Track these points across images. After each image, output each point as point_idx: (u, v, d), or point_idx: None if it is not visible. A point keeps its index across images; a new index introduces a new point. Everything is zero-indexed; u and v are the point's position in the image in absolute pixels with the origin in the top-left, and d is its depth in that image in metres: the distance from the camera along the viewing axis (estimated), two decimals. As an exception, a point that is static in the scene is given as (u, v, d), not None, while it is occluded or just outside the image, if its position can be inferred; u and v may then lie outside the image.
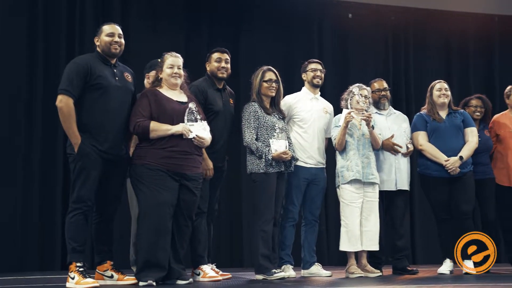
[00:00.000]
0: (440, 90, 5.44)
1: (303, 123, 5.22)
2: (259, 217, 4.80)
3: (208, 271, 4.76)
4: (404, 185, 5.35)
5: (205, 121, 4.51)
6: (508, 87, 5.83)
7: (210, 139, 4.51)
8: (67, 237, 4.25)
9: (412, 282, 4.62)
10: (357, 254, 5.11)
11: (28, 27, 6.41)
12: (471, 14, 7.82)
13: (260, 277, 4.77)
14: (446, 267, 5.35)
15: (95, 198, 4.33)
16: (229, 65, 5.04)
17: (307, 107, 5.26)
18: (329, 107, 5.44)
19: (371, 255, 5.20)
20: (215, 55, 5.01)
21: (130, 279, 4.40)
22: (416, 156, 5.60)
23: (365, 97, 5.14)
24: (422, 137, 5.38)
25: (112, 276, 4.43)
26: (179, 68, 4.52)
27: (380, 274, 5.10)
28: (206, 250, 4.88)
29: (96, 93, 4.30)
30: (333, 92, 6.15)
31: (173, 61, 4.52)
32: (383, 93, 5.50)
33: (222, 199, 5.99)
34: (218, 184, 5.04)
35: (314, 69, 5.35)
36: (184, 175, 4.36)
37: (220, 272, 4.96)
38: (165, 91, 4.48)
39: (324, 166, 5.30)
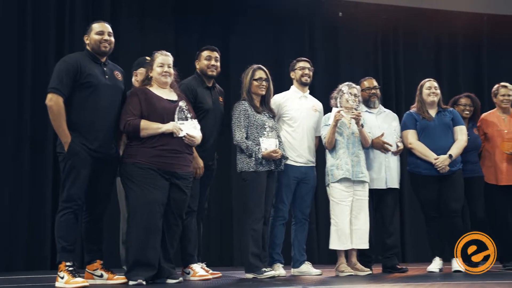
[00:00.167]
0: (430, 89, 5.46)
1: (293, 121, 5.22)
2: (249, 216, 4.81)
3: (198, 270, 4.76)
4: (394, 183, 5.37)
5: (196, 120, 4.51)
6: (495, 86, 5.87)
7: (200, 138, 4.52)
8: (57, 236, 4.24)
9: (401, 280, 4.64)
10: (347, 253, 5.12)
11: (18, 26, 6.37)
12: (461, 13, 7.85)
13: (250, 275, 4.78)
14: (435, 265, 5.37)
15: (85, 197, 4.31)
16: (218, 63, 5.04)
17: (296, 105, 5.27)
18: (319, 105, 5.45)
19: (361, 253, 5.21)
20: (205, 53, 5.02)
21: (120, 278, 4.39)
22: (406, 155, 5.62)
23: (355, 95, 5.15)
24: (411, 136, 5.40)
25: (102, 275, 4.42)
26: (169, 67, 4.53)
27: (370, 272, 5.11)
28: (196, 249, 4.88)
29: (86, 91, 4.29)
30: (323, 91, 6.16)
31: (163, 59, 4.52)
32: (373, 91, 5.51)
33: (212, 197, 6.00)
34: (208, 183, 5.04)
35: (302, 68, 5.36)
36: (174, 174, 4.35)
37: (210, 271, 4.96)
38: (155, 89, 4.48)
39: (314, 165, 5.31)
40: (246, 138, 4.87)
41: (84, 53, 4.44)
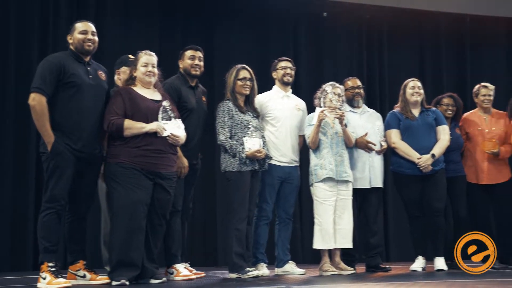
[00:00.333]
0: (413, 88, 5.49)
1: (276, 121, 5.22)
2: (233, 216, 4.81)
3: (182, 270, 4.75)
4: (378, 182, 5.40)
5: (179, 119, 4.51)
6: (476, 86, 5.93)
7: (184, 137, 4.51)
8: (39, 237, 4.21)
9: (384, 280, 4.67)
10: (331, 252, 5.13)
11: (1, 25, 6.32)
12: (444, 14, 7.90)
13: (234, 275, 4.78)
14: (418, 264, 5.40)
15: (68, 197, 4.29)
16: (202, 63, 5.04)
17: (278, 105, 5.27)
18: (302, 104, 5.46)
19: (344, 253, 5.23)
20: (189, 53, 5.01)
21: (103, 279, 4.37)
22: (389, 154, 5.65)
23: (338, 95, 5.16)
24: (395, 135, 5.43)
25: (84, 276, 4.40)
26: (153, 67, 4.52)
27: (354, 271, 5.13)
28: (180, 249, 4.87)
29: (69, 91, 4.26)
30: (307, 91, 6.18)
31: (148, 59, 4.51)
32: (356, 90, 5.54)
33: (196, 197, 5.98)
34: (193, 182, 5.03)
35: (284, 67, 5.36)
36: (158, 174, 4.35)
37: (194, 271, 4.95)
38: (139, 89, 4.47)
39: (298, 164, 5.32)
40: (230, 138, 4.87)
41: (68, 52, 4.42)
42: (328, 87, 5.19)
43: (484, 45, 8.12)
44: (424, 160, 5.29)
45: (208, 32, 7.13)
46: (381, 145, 5.39)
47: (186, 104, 4.85)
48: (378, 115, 5.65)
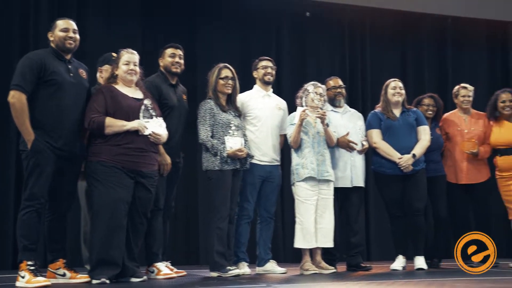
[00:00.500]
0: (395, 89, 5.52)
1: (256, 120, 5.23)
2: (214, 214, 4.81)
3: (163, 269, 4.75)
4: (359, 182, 5.42)
5: (161, 118, 4.50)
6: (456, 87, 5.99)
7: (166, 136, 4.51)
8: (19, 235, 4.18)
9: (364, 279, 4.69)
10: (312, 251, 5.15)
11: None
12: (426, 15, 7.95)
13: (215, 274, 4.78)
14: (398, 263, 5.44)
15: (48, 195, 4.26)
16: (182, 61, 5.04)
17: (259, 104, 5.28)
18: (282, 103, 5.47)
19: (325, 252, 5.25)
20: (169, 51, 5.02)
21: (83, 277, 4.35)
22: (371, 154, 5.68)
23: (320, 95, 5.18)
24: (376, 135, 5.46)
25: (64, 275, 4.37)
26: (135, 65, 4.51)
27: (334, 270, 5.15)
28: (161, 248, 4.87)
29: (50, 89, 4.24)
30: (290, 90, 6.19)
31: (129, 57, 4.50)
32: (338, 90, 5.56)
33: (179, 196, 5.98)
34: (175, 181, 5.03)
35: (265, 67, 5.37)
36: (139, 172, 4.34)
37: (175, 270, 4.94)
38: (120, 87, 4.46)
39: (279, 164, 5.33)
40: (212, 136, 4.87)
41: (49, 50, 4.39)
42: (310, 86, 5.20)
43: (465, 46, 8.20)
44: (405, 160, 5.32)
45: (190, 32, 7.11)
46: (363, 145, 5.42)
47: (167, 101, 4.85)
48: (360, 114, 5.68)
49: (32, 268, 4.08)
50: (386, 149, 5.40)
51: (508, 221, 5.83)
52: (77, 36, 4.43)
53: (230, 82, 4.98)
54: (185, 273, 5.03)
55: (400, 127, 5.44)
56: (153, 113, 4.43)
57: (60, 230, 4.44)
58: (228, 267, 4.76)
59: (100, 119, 4.26)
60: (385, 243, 6.91)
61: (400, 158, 5.33)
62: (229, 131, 4.87)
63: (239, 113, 5.08)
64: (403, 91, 5.55)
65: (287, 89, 6.73)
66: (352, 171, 5.37)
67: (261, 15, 7.39)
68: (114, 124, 4.27)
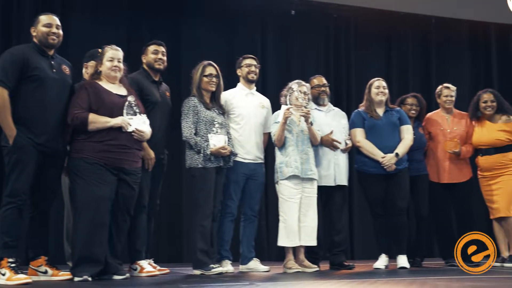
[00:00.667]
0: (378, 88, 5.54)
1: (240, 118, 5.23)
2: (197, 212, 4.81)
3: (146, 266, 4.74)
4: (343, 180, 5.43)
5: (145, 115, 4.48)
6: (439, 87, 6.03)
7: (150, 133, 4.50)
8: (0, 232, 4.15)
9: (347, 277, 4.71)
10: (295, 249, 5.16)
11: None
12: (410, 15, 7.98)
13: (198, 272, 4.77)
14: (381, 262, 5.45)
15: (30, 192, 4.23)
16: (165, 58, 5.04)
17: (243, 103, 5.28)
18: (266, 101, 5.48)
19: (308, 250, 5.25)
20: (152, 48, 5.02)
21: (65, 275, 4.32)
22: (354, 153, 5.69)
23: (304, 93, 5.19)
24: (359, 134, 5.48)
25: (46, 272, 4.33)
26: (119, 61, 4.49)
27: (317, 269, 5.16)
28: (145, 245, 4.86)
29: (32, 85, 4.21)
30: (275, 88, 6.19)
31: (113, 54, 4.48)
32: (322, 88, 5.57)
33: (163, 193, 5.93)
34: (160, 178, 5.03)
35: (248, 65, 5.38)
36: (122, 169, 4.33)
37: (158, 267, 4.94)
38: (104, 84, 4.44)
39: (263, 162, 5.34)
40: (195, 134, 4.86)
41: (31, 45, 4.35)
42: (294, 85, 5.21)
43: (448, 46, 8.25)
44: (388, 159, 5.35)
45: (175, 29, 7.09)
46: (346, 144, 5.44)
47: (149, 97, 4.84)
48: (343, 113, 5.70)
49: (13, 265, 4.04)
50: (370, 148, 5.42)
51: (490, 221, 5.89)
52: (60, 32, 4.40)
53: (214, 79, 4.97)
54: (168, 270, 5.02)
55: (383, 126, 5.46)
56: (137, 110, 4.42)
57: (41, 226, 4.41)
58: (211, 265, 4.75)
59: (83, 115, 4.24)
60: (368, 242, 6.94)
61: (383, 157, 5.35)
62: (213, 128, 4.86)
63: (223, 111, 5.08)
64: (386, 91, 5.57)
65: (271, 87, 6.73)
66: (336, 170, 5.38)
67: (246, 13, 7.39)
68: (97, 121, 4.25)
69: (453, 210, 5.88)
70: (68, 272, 4.30)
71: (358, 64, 7.85)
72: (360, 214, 7.45)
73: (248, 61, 5.40)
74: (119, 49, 4.54)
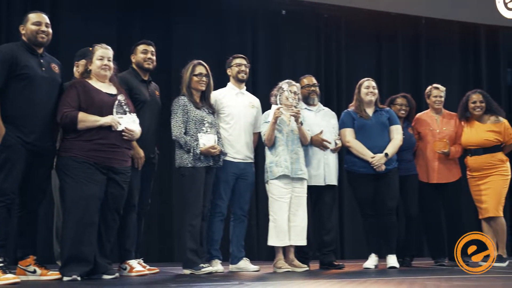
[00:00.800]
0: (368, 88, 5.55)
1: (230, 118, 5.22)
2: (187, 212, 4.80)
3: (135, 266, 4.73)
4: (333, 180, 5.44)
5: (135, 114, 4.47)
6: (428, 88, 6.05)
7: (139, 132, 4.49)
8: (-13, 231, 4.13)
9: (336, 277, 4.72)
10: (285, 249, 5.16)
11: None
12: (401, 15, 8.00)
13: (187, 271, 4.76)
14: (371, 261, 5.46)
15: (19, 191, 4.21)
16: (154, 57, 5.04)
17: (232, 102, 5.28)
18: (256, 101, 5.48)
19: (298, 250, 5.26)
20: (141, 47, 5.02)
21: (54, 274, 4.30)
22: (344, 152, 5.70)
23: (295, 93, 5.19)
24: (349, 134, 5.48)
25: (35, 271, 4.31)
26: (109, 60, 4.48)
27: (307, 268, 5.16)
28: (134, 245, 4.84)
29: (21, 83, 4.19)
30: (265, 88, 6.19)
31: (103, 52, 4.47)
32: (312, 88, 5.58)
33: (153, 193, 5.91)
34: (150, 177, 5.02)
35: (238, 64, 5.38)
36: (112, 168, 4.32)
37: (148, 267, 4.92)
38: (94, 82, 4.43)
39: (253, 161, 5.34)
40: (185, 133, 4.85)
41: (20, 43, 4.33)
42: (284, 84, 5.21)
43: (438, 47, 8.28)
44: (377, 159, 5.36)
45: (166, 28, 7.07)
46: (336, 143, 5.45)
47: (138, 96, 4.83)
48: (333, 113, 5.71)
49: (1, 265, 4.01)
50: (359, 148, 5.42)
51: (479, 221, 5.92)
52: (50, 30, 4.38)
53: (204, 79, 4.97)
54: (158, 270, 5.00)
55: (373, 126, 5.47)
56: (127, 109, 4.41)
57: (30, 226, 4.39)
58: (201, 265, 4.75)
59: (73, 113, 4.22)
60: (358, 241, 6.95)
61: (372, 157, 5.36)
62: (203, 128, 4.86)
63: (213, 110, 5.08)
64: (376, 91, 5.58)
65: (262, 87, 6.72)
66: (326, 170, 5.39)
67: (237, 13, 7.38)
68: (87, 119, 4.24)
69: (442, 210, 5.90)
70: (57, 272, 4.28)
71: (348, 64, 7.86)
72: (350, 214, 7.45)
73: (238, 60, 5.40)
74: (109, 47, 4.52)
